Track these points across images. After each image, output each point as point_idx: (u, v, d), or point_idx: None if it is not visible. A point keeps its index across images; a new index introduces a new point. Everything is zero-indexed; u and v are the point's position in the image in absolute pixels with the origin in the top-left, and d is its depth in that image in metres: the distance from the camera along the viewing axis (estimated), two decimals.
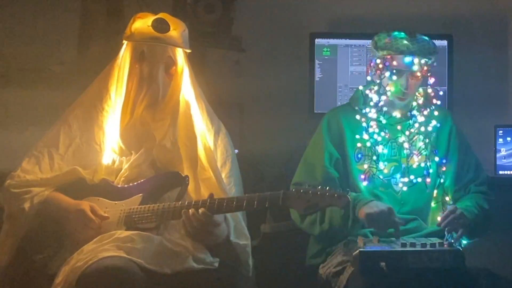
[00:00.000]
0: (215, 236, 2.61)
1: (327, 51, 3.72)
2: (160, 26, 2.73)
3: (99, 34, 3.72)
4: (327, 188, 2.53)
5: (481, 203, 2.90)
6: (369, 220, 2.73)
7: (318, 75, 3.71)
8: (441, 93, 3.04)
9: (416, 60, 2.86)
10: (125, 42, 2.79)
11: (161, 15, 2.77)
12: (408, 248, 2.59)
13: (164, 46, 2.74)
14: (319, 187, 2.54)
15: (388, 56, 2.88)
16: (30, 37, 3.78)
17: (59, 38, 3.78)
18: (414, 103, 2.97)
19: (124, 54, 2.78)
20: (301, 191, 2.53)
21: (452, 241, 2.79)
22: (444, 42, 3.68)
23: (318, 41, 3.71)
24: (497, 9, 3.91)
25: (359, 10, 3.90)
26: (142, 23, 2.74)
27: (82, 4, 3.79)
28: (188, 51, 2.83)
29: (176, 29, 2.76)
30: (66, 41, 3.78)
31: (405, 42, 2.86)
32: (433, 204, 2.98)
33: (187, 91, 2.81)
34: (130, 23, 2.77)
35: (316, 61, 3.71)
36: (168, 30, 2.74)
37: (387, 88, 2.91)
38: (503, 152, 3.50)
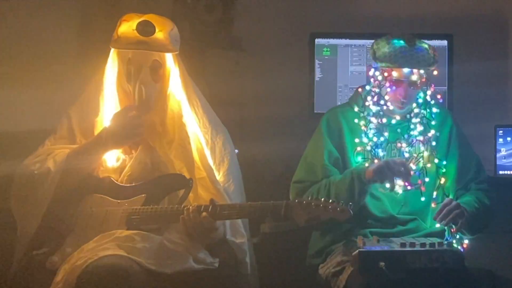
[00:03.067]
0: (211, 238, 2.63)
1: (327, 51, 3.72)
2: (145, 29, 2.70)
3: (99, 34, 3.71)
4: (330, 200, 2.54)
5: (481, 198, 2.89)
6: (380, 173, 2.73)
7: (318, 75, 3.71)
8: (441, 100, 3.03)
9: (415, 71, 2.85)
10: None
11: (146, 17, 2.74)
12: (408, 248, 2.59)
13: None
14: (322, 199, 2.54)
15: (387, 68, 2.87)
16: (30, 37, 3.78)
17: (59, 38, 3.78)
18: (414, 105, 2.96)
19: (113, 58, 2.78)
20: (304, 202, 2.54)
21: (454, 241, 2.79)
22: (444, 42, 3.68)
23: (318, 41, 3.71)
24: (497, 9, 3.91)
25: (359, 10, 3.90)
26: (127, 27, 2.72)
27: (82, 4, 3.79)
28: (175, 52, 2.80)
29: (163, 30, 2.73)
30: (66, 41, 3.79)
31: (404, 53, 2.83)
32: (433, 205, 2.97)
33: (178, 91, 2.81)
34: (117, 26, 2.76)
35: (316, 61, 3.71)
36: (153, 32, 2.71)
37: (386, 97, 2.90)
38: (503, 152, 3.50)
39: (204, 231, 2.58)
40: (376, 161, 2.86)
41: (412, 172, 2.84)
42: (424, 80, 2.89)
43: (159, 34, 2.72)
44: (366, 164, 2.88)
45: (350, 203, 2.57)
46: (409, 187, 2.85)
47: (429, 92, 2.94)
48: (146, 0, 3.59)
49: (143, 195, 2.69)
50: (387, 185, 2.77)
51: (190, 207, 2.59)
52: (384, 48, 2.87)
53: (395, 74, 2.86)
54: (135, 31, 2.71)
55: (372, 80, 2.94)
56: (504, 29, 3.91)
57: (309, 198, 2.56)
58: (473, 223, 2.84)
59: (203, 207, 2.59)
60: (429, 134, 2.94)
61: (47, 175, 2.64)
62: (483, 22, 3.90)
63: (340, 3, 3.93)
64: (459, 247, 2.80)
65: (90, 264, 2.39)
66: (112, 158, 2.77)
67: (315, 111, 3.68)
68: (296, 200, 2.56)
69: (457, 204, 2.81)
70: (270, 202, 2.58)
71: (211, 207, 2.58)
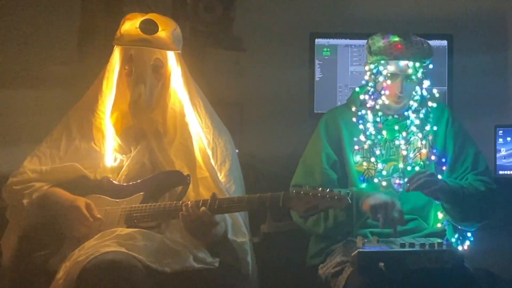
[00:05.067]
0: (212, 234, 2.63)
1: (327, 51, 3.72)
2: (148, 27, 2.72)
3: (99, 34, 3.72)
4: (328, 190, 2.55)
5: (476, 184, 2.87)
6: (374, 211, 2.72)
7: (318, 75, 3.71)
8: (437, 95, 3.03)
9: (410, 64, 2.85)
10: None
11: (149, 15, 2.76)
12: (407, 249, 2.58)
13: (152, 48, 2.74)
14: (320, 189, 2.55)
15: (382, 61, 2.87)
16: (30, 37, 3.78)
17: (59, 38, 3.79)
18: (411, 102, 2.96)
19: (115, 56, 2.79)
20: (301, 192, 2.55)
21: (453, 240, 2.79)
22: (444, 42, 3.68)
23: (318, 41, 3.71)
24: (497, 9, 3.91)
25: (359, 10, 3.90)
26: (130, 25, 2.74)
27: (82, 4, 3.79)
28: (178, 52, 2.82)
29: (165, 29, 2.75)
30: (66, 41, 3.79)
31: (399, 46, 2.84)
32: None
33: (180, 91, 2.82)
34: (120, 25, 2.78)
35: (316, 61, 3.71)
36: (156, 31, 2.73)
37: (382, 92, 2.90)
38: (503, 152, 3.50)
39: (204, 226, 2.59)
40: (377, 194, 2.81)
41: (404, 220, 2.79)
42: (419, 74, 2.89)
43: (161, 33, 2.74)
44: (364, 167, 2.89)
45: (348, 191, 2.58)
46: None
47: (424, 86, 2.94)
48: (146, 0, 3.59)
49: (141, 193, 2.70)
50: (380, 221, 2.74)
51: (189, 202, 2.60)
52: (379, 42, 2.88)
53: (390, 68, 2.86)
54: (138, 29, 2.72)
55: (367, 74, 2.94)
56: (504, 29, 3.91)
57: (307, 188, 2.56)
58: (461, 205, 2.81)
59: (201, 201, 2.59)
60: (427, 128, 2.93)
61: (21, 210, 2.68)
62: (483, 22, 3.90)
63: (340, 3, 3.93)
64: (461, 248, 2.80)
65: (92, 260, 2.40)
66: (110, 158, 2.78)
67: (315, 111, 3.69)
68: (294, 191, 2.57)
69: (432, 173, 2.78)
70: (268, 194, 2.58)
71: (210, 200, 2.59)
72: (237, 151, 2.98)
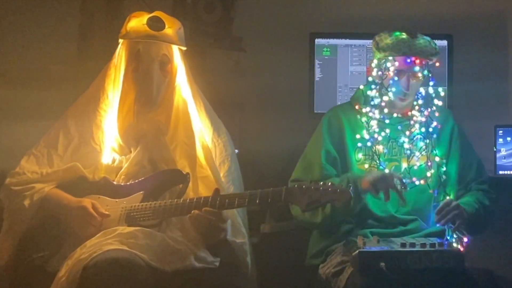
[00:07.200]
0: (223, 230, 2.62)
1: (327, 51, 3.72)
2: (155, 24, 2.75)
3: (99, 33, 3.72)
4: (329, 183, 2.55)
5: (481, 199, 2.90)
6: (374, 187, 2.72)
7: (318, 75, 3.72)
8: (442, 94, 3.04)
9: (417, 61, 2.86)
10: (121, 41, 2.81)
11: (156, 13, 2.79)
12: (408, 249, 2.59)
13: (159, 44, 2.76)
14: (321, 183, 2.55)
15: (390, 57, 2.88)
16: (30, 37, 3.78)
17: (59, 38, 3.79)
18: (415, 103, 2.96)
19: (120, 53, 2.81)
20: (303, 187, 2.54)
21: (453, 240, 2.79)
22: (444, 42, 3.68)
23: (318, 41, 3.72)
24: (497, 9, 3.92)
25: (359, 10, 3.91)
26: (137, 22, 2.77)
27: (82, 4, 3.79)
28: (184, 48, 2.85)
29: (171, 27, 2.78)
30: (66, 41, 3.79)
31: (407, 43, 2.86)
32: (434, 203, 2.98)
33: (184, 89, 2.83)
34: (126, 22, 2.80)
35: (316, 61, 3.72)
36: (163, 28, 2.76)
37: (388, 89, 2.91)
38: (503, 152, 3.50)
39: (213, 224, 2.58)
40: (373, 170, 2.87)
41: (407, 188, 2.83)
42: (425, 72, 2.90)
43: (168, 30, 2.77)
44: (366, 166, 2.90)
45: (350, 184, 2.58)
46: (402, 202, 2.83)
47: (431, 83, 2.95)
48: (146, 0, 3.59)
49: (140, 193, 2.70)
50: (383, 196, 2.76)
51: (189, 200, 2.60)
52: (387, 39, 2.89)
53: (397, 64, 2.87)
54: (145, 26, 2.75)
55: (374, 71, 2.94)
56: (504, 29, 3.91)
57: (309, 182, 2.56)
58: (472, 224, 2.84)
59: (202, 199, 2.60)
60: (431, 126, 2.95)
61: (21, 212, 2.67)
62: (483, 22, 3.91)
63: (340, 3, 3.94)
64: (459, 247, 2.80)
65: (95, 257, 2.40)
66: (109, 158, 2.78)
67: (315, 111, 3.69)
68: (296, 185, 2.56)
69: (457, 205, 2.81)
70: (270, 189, 2.58)
71: (211, 198, 2.59)
72: (237, 151, 2.98)
